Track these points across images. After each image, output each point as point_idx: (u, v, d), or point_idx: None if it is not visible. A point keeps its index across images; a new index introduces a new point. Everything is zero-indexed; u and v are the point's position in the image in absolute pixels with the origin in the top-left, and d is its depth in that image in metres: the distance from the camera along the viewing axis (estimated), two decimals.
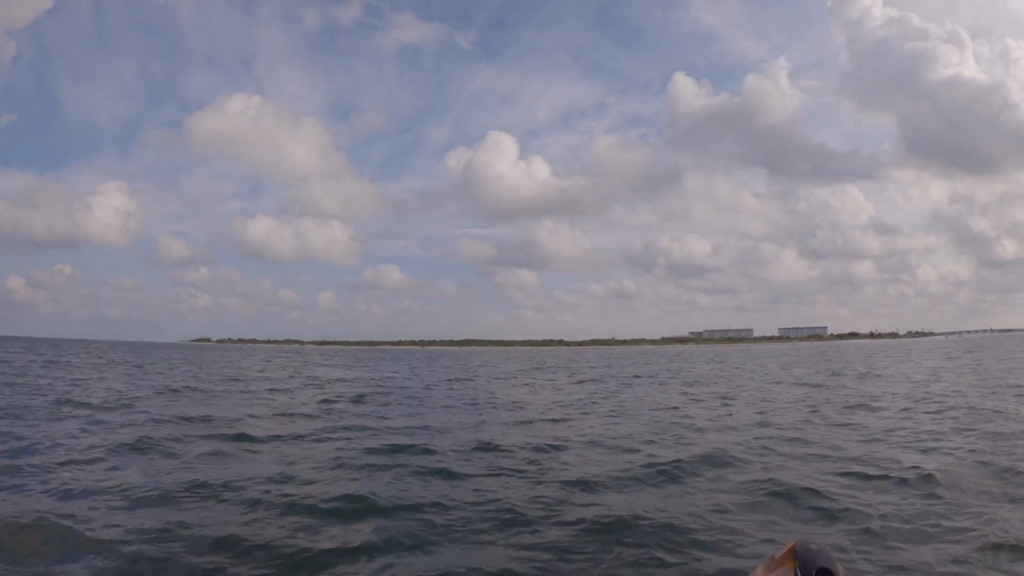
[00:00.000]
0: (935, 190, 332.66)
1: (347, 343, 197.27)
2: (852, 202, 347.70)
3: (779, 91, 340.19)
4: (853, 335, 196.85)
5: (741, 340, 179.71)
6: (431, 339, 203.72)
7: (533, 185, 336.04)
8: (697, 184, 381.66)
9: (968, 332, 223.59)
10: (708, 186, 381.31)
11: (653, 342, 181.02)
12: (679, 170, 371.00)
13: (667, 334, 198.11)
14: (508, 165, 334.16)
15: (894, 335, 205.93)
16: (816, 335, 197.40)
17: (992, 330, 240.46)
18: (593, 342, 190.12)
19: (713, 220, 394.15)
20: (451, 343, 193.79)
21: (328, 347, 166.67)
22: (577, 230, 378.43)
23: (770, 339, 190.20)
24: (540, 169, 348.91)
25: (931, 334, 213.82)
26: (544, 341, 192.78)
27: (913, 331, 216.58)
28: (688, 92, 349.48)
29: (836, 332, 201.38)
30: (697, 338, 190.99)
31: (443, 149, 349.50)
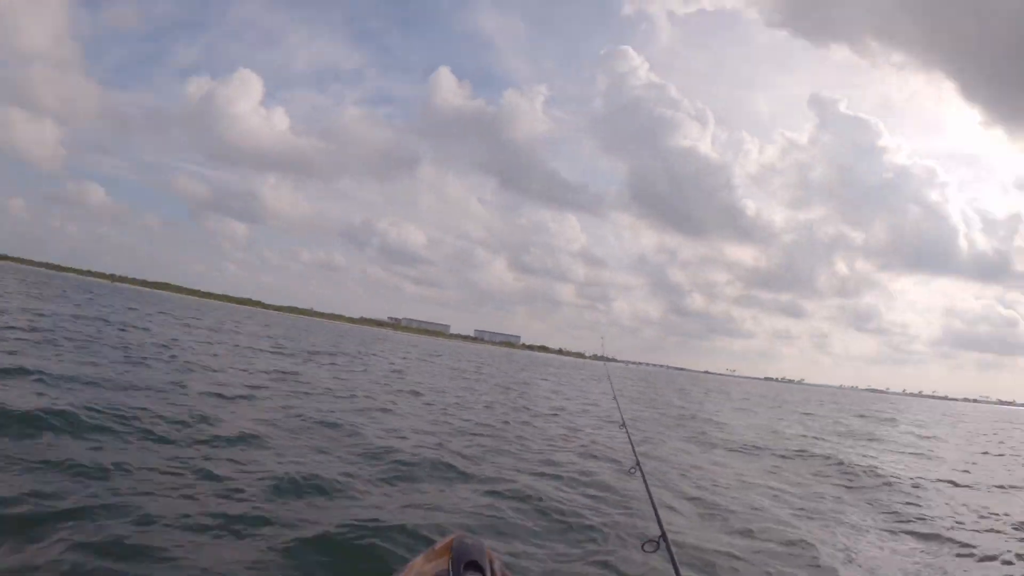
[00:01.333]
0: (645, 238, 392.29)
1: (30, 262, 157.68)
2: (570, 229, 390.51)
3: (532, 113, 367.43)
4: (544, 348, 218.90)
5: (438, 334, 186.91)
6: (124, 275, 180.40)
7: (269, 136, 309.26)
8: (430, 177, 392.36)
9: (646, 364, 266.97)
10: (440, 181, 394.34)
11: (351, 320, 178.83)
12: (417, 159, 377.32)
13: (367, 314, 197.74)
14: (249, 108, 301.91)
15: (580, 355, 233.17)
16: (509, 342, 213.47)
17: (668, 367, 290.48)
18: (292, 309, 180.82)
19: (436, 215, 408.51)
20: (144, 283, 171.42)
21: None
22: (301, 193, 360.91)
23: (465, 338, 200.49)
24: (280, 121, 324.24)
25: (614, 360, 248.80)
26: (241, 299, 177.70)
27: (599, 355, 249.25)
28: (448, 87, 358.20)
29: (528, 343, 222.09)
30: (396, 324, 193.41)
31: (186, 72, 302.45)
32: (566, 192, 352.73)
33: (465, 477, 6.76)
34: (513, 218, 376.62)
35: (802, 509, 7.54)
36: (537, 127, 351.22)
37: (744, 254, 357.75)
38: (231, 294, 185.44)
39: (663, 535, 2.41)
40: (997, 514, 8.38)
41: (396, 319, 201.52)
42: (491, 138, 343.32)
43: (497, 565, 1.70)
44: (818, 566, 5.31)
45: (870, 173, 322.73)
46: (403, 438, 8.44)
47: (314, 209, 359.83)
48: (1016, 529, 7.50)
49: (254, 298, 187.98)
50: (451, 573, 1.49)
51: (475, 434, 9.87)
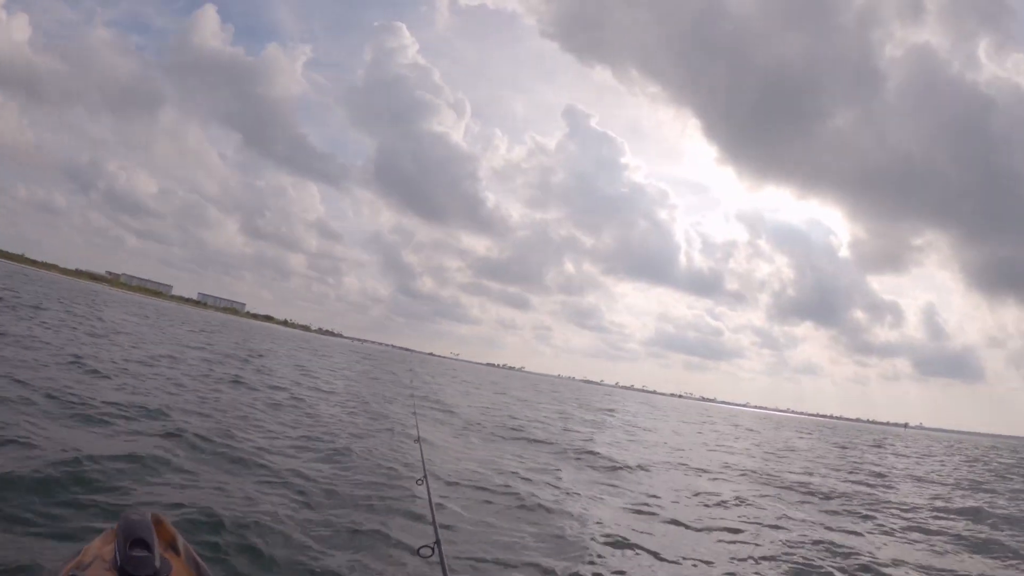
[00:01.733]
0: (384, 217, 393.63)
1: None
2: (309, 198, 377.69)
3: (291, 72, 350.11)
4: (269, 318, 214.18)
5: (159, 294, 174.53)
6: None
7: (3, 43, 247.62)
8: (171, 122, 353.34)
9: (371, 342, 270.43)
10: (181, 129, 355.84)
11: (65, 271, 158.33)
12: (160, 100, 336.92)
13: (83, 266, 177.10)
14: None
15: (307, 328, 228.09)
16: (234, 309, 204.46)
17: (392, 345, 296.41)
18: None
19: (172, 165, 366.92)
20: None
21: None
22: (27, 118, 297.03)
23: (187, 301, 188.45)
24: (20, 30, 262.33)
25: (340, 336, 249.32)
26: None
27: (324, 329, 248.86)
28: (210, 28, 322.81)
29: (253, 311, 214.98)
30: (114, 280, 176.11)
31: None
32: (312, 159, 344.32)
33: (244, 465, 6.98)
34: (252, 179, 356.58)
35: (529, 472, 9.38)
36: (292, 87, 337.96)
37: (479, 244, 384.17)
38: None
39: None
40: (708, 492, 10.36)
41: (115, 274, 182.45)
42: (243, 91, 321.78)
43: (172, 538, 1.70)
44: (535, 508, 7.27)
45: (608, 185, 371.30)
46: None
47: (35, 139, 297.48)
48: (699, 498, 9.62)
49: None
50: (117, 555, 1.45)
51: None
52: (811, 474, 15.61)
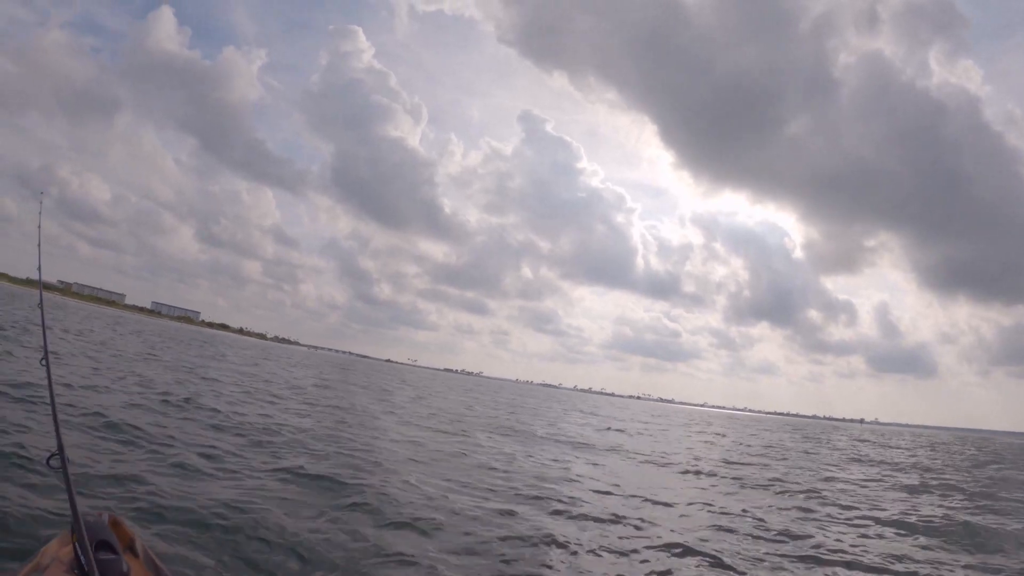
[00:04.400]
0: (341, 222, 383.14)
1: None
2: (265, 204, 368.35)
3: (248, 77, 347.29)
4: (224, 326, 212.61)
5: (112, 303, 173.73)
6: None
7: None
8: (126, 126, 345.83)
9: (328, 350, 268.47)
10: (136, 133, 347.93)
11: (15, 280, 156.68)
12: (116, 104, 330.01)
13: (32, 275, 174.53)
14: None
15: (263, 336, 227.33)
16: (188, 318, 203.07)
17: (350, 352, 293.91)
18: None
19: (126, 170, 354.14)
20: None
21: None
22: None
23: (141, 310, 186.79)
24: None
25: (297, 343, 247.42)
26: None
27: (281, 337, 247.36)
28: (166, 31, 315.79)
29: (208, 319, 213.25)
30: (66, 289, 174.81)
31: None
32: (268, 165, 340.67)
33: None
34: (207, 184, 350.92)
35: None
36: (248, 92, 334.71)
37: (436, 250, 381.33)
38: None
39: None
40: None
41: (67, 283, 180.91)
42: (200, 95, 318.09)
43: (131, 539, 1.69)
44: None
45: (565, 190, 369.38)
46: None
47: None
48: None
49: None
50: (81, 557, 1.41)
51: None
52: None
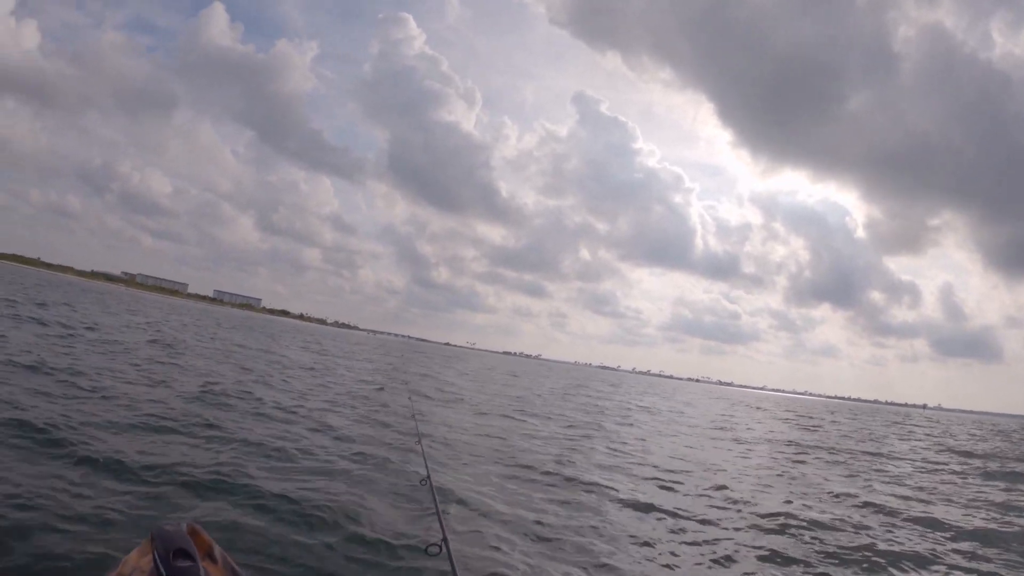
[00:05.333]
0: (398, 208, 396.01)
1: None
2: (323, 192, 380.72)
3: (301, 68, 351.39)
4: (285, 313, 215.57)
5: (175, 293, 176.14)
6: None
7: (15, 52, 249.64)
8: (184, 121, 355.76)
9: (387, 334, 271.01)
10: (195, 128, 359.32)
11: (81, 273, 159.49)
12: (173, 100, 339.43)
13: (100, 267, 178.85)
14: None
15: (322, 321, 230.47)
16: (249, 304, 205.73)
17: (410, 337, 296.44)
18: (15, 258, 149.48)
19: (185, 164, 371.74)
20: None
21: None
22: (40, 122, 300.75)
23: (203, 298, 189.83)
24: (30, 36, 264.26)
25: (356, 328, 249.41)
26: None
27: (341, 322, 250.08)
28: (219, 27, 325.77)
29: (269, 306, 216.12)
30: (130, 280, 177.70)
31: None
32: (325, 154, 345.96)
33: None
34: (265, 175, 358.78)
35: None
36: (303, 83, 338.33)
37: (494, 233, 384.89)
38: None
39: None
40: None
41: (130, 274, 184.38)
42: (255, 88, 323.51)
43: (210, 547, 1.74)
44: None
45: (621, 171, 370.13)
46: None
47: (52, 143, 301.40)
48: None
49: None
50: (160, 566, 1.49)
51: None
52: None
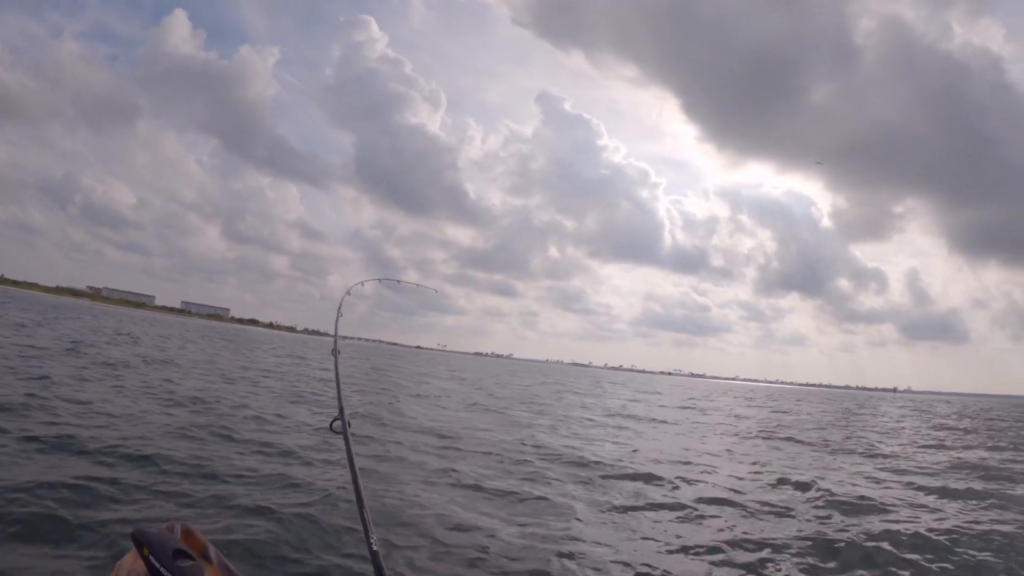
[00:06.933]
0: (367, 212, 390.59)
1: None
2: (289, 199, 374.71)
3: (264, 74, 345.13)
4: (254, 322, 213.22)
5: (142, 305, 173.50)
6: None
7: None
8: (148, 132, 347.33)
9: (361, 339, 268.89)
10: (158, 137, 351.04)
11: (47, 289, 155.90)
12: (136, 111, 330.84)
13: (63, 283, 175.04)
14: None
15: (292, 329, 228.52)
16: (218, 315, 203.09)
17: (382, 341, 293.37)
18: None
19: (149, 174, 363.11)
20: None
21: None
22: None
23: (171, 310, 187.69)
24: None
25: (327, 335, 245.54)
26: None
27: (311, 329, 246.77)
28: (181, 34, 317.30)
29: (238, 316, 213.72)
30: (95, 294, 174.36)
31: None
32: (292, 160, 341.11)
33: None
34: (230, 183, 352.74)
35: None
36: (266, 89, 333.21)
37: (462, 234, 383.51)
38: None
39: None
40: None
41: (96, 288, 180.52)
42: (219, 96, 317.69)
43: (204, 547, 1.65)
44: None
45: (587, 168, 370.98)
46: None
47: (12, 157, 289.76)
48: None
49: None
50: (161, 568, 1.39)
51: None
52: None
